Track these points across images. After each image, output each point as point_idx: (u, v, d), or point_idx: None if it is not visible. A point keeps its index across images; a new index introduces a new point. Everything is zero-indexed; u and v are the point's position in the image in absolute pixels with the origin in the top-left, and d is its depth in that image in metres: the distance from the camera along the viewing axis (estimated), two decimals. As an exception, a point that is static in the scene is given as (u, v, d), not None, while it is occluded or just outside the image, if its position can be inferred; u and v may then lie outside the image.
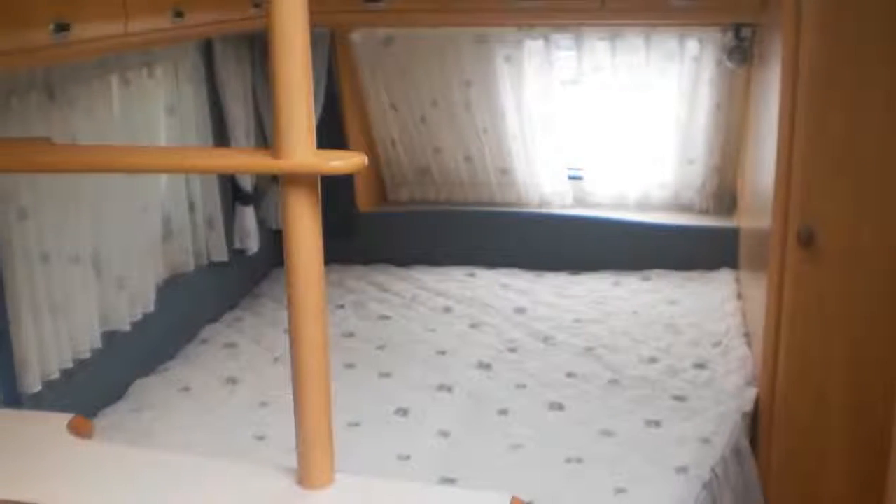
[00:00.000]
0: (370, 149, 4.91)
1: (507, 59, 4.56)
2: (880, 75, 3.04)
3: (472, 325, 4.13)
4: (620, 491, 2.84)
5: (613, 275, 4.62)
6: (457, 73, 4.61)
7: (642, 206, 4.81)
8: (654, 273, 4.59)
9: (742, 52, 4.18)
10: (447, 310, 4.30)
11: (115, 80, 3.38)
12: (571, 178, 4.86)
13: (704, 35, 4.34)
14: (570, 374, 3.64)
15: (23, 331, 2.92)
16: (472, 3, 4.04)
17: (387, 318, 4.24)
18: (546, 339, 3.96)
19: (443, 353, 3.86)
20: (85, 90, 3.17)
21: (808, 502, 3.40)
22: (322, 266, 1.67)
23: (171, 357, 3.78)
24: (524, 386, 3.56)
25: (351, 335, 4.05)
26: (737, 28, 4.16)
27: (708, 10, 3.90)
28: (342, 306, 4.34)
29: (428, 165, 4.94)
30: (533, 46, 4.53)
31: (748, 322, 3.88)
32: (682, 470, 2.95)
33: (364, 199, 4.89)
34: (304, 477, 1.74)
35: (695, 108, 4.52)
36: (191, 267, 3.95)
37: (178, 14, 2.99)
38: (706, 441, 3.13)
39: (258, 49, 4.28)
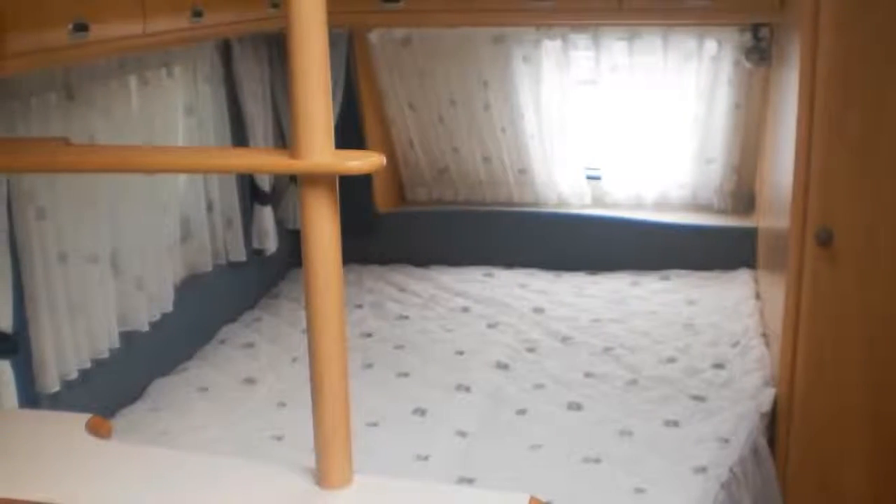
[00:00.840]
0: (388, 149, 4.90)
1: (525, 59, 4.55)
2: (899, 75, 3.03)
3: (491, 325, 4.12)
4: (639, 491, 2.83)
5: (632, 275, 4.60)
6: (475, 73, 4.60)
7: (660, 205, 4.79)
8: (673, 273, 4.56)
9: (760, 52, 4.16)
10: (465, 310, 4.29)
11: (133, 80, 3.38)
12: (589, 177, 4.84)
13: (723, 35, 4.32)
14: (588, 374, 3.63)
15: (41, 331, 2.92)
16: (489, 3, 4.03)
17: (405, 317, 4.24)
18: (564, 339, 3.95)
19: (461, 353, 3.85)
20: (103, 90, 3.18)
21: (827, 502, 3.39)
22: (340, 266, 1.67)
23: (190, 357, 3.78)
24: (542, 386, 3.55)
25: (369, 335, 4.05)
26: (755, 28, 4.14)
27: (726, 10, 3.87)
28: (360, 306, 4.34)
29: (446, 165, 4.94)
30: (551, 46, 4.52)
31: (766, 322, 3.86)
32: (701, 470, 2.93)
33: (382, 199, 4.89)
34: (322, 477, 1.74)
35: (713, 107, 4.50)
36: (209, 267, 3.96)
37: (197, 14, 3.00)
38: (725, 441, 3.11)
39: (276, 49, 4.29)
